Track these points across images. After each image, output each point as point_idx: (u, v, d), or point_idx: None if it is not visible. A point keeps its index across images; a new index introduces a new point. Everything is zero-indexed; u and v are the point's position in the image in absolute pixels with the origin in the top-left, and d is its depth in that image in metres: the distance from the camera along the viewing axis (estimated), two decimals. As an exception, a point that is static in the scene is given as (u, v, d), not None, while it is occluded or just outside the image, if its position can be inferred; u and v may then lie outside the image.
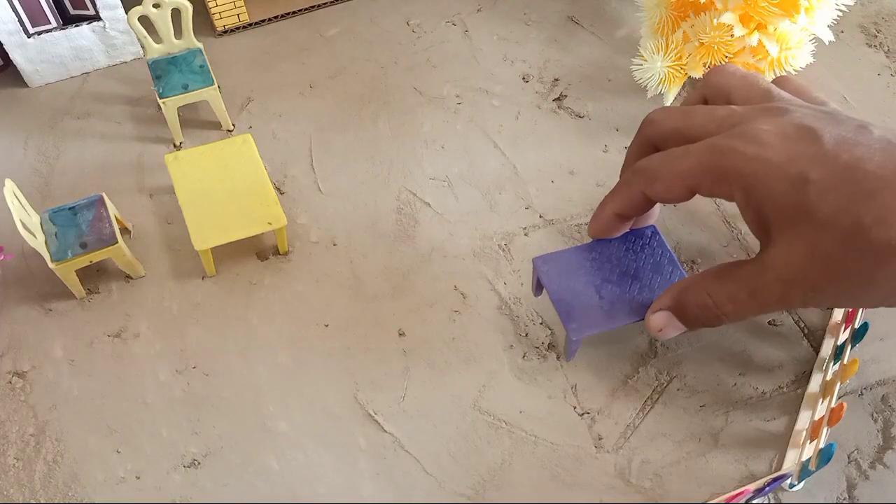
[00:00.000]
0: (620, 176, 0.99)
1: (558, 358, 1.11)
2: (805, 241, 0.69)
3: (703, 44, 1.27)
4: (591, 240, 1.12)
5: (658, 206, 1.01)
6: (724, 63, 1.00)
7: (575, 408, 1.07)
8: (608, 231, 1.02)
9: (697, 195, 0.91)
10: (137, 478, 1.03)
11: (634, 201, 0.92)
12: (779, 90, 0.90)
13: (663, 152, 0.85)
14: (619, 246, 1.07)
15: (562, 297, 1.04)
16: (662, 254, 1.07)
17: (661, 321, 0.96)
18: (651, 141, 0.96)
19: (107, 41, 1.42)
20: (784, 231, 0.71)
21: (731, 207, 1.25)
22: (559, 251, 1.08)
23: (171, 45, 1.31)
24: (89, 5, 1.38)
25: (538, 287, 1.10)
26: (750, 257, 1.13)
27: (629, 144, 1.03)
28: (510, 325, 1.14)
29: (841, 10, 1.27)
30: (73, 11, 1.39)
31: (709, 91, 0.95)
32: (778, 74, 1.30)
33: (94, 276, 1.20)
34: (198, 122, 1.39)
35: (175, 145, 1.36)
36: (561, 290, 1.05)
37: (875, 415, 1.06)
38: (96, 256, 1.13)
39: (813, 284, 0.76)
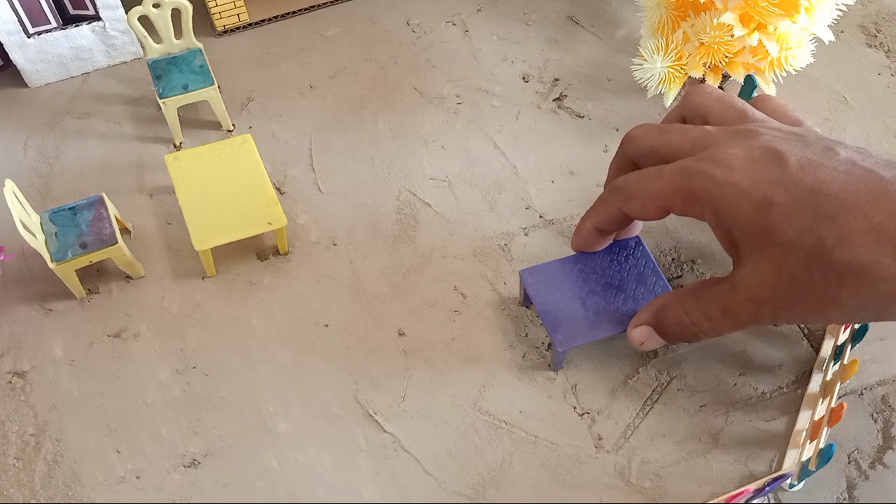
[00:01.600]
0: (604, 189, 1.02)
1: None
2: (771, 262, 0.72)
3: (703, 44, 1.27)
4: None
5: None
6: (701, 84, 1.02)
7: (575, 408, 1.07)
8: (589, 245, 1.05)
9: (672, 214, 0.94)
10: (137, 478, 1.03)
11: (612, 218, 0.91)
12: (754, 111, 0.92)
13: (639, 172, 0.87)
14: (603, 257, 1.09)
15: (548, 309, 1.06)
16: (646, 264, 1.09)
17: (642, 336, 1.00)
18: (630, 157, 0.98)
19: (107, 41, 1.42)
20: (752, 252, 0.74)
21: (731, 207, 1.25)
22: (545, 263, 1.10)
23: (171, 45, 1.31)
24: (89, 5, 1.38)
25: (525, 298, 1.12)
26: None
27: (611, 161, 1.06)
28: (510, 325, 1.14)
29: (841, 10, 1.27)
30: (73, 11, 1.39)
31: (687, 111, 0.98)
32: (778, 74, 1.30)
33: (94, 276, 1.20)
34: (198, 122, 1.39)
35: (175, 145, 1.36)
36: (547, 302, 1.07)
37: (875, 415, 1.06)
38: (96, 256, 1.13)
39: (780, 303, 0.79)
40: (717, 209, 0.75)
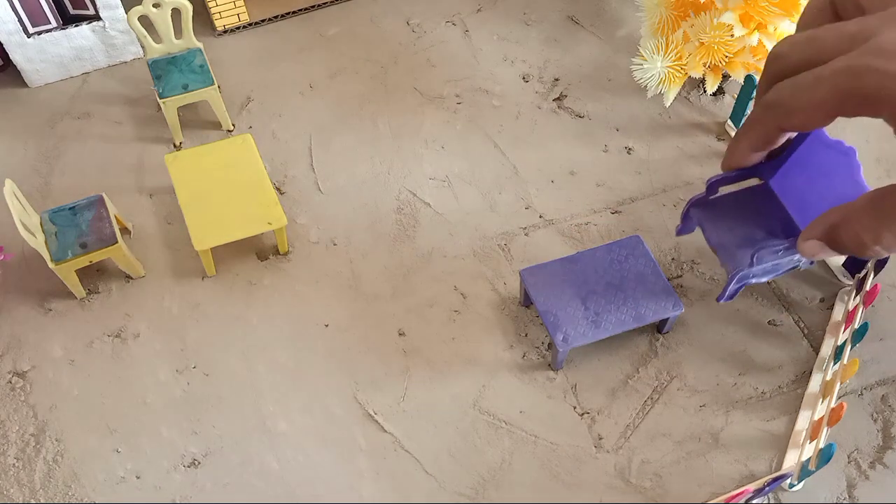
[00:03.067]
0: (752, 110, 0.92)
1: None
2: None
3: (703, 43, 1.27)
4: (575, 251, 1.16)
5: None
6: None
7: (575, 408, 1.07)
8: (742, 163, 0.92)
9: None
10: (137, 477, 1.03)
11: (769, 136, 0.83)
12: None
13: (792, 81, 0.75)
14: (603, 257, 1.10)
15: (549, 309, 1.06)
16: (646, 264, 1.09)
17: (813, 249, 0.90)
18: (780, 76, 0.84)
19: (107, 41, 1.42)
20: None
21: (731, 207, 1.26)
22: (546, 263, 1.10)
23: (171, 44, 1.31)
24: (89, 5, 1.38)
25: (526, 298, 1.13)
26: None
27: (758, 81, 0.97)
28: (510, 324, 1.14)
29: (841, 10, 1.27)
30: (73, 11, 1.39)
31: None
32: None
33: (94, 276, 1.20)
34: (198, 122, 1.39)
35: (175, 145, 1.36)
36: (548, 302, 1.07)
37: (875, 415, 1.06)
38: (96, 256, 1.13)
39: None
40: (894, 106, 0.64)
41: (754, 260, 1.01)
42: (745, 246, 1.06)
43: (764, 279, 1.09)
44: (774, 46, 0.84)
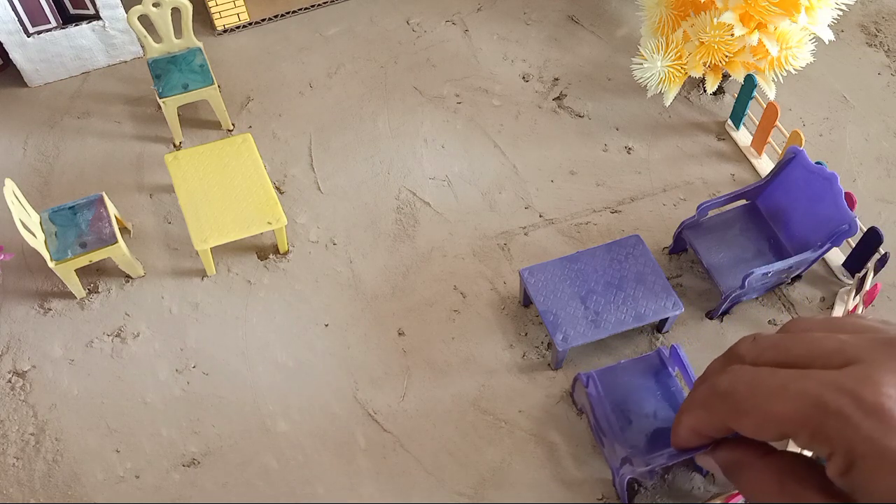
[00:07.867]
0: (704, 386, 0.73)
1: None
2: None
3: (703, 43, 1.27)
4: (575, 251, 1.16)
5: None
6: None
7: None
8: (687, 446, 0.78)
9: None
10: (137, 477, 1.03)
11: (714, 426, 0.70)
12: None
13: (753, 375, 0.65)
14: (603, 256, 1.10)
15: (548, 308, 1.07)
16: (646, 264, 1.10)
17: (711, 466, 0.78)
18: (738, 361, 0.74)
19: (107, 41, 1.42)
20: None
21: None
22: (546, 262, 1.11)
23: (170, 44, 1.31)
24: (89, 4, 1.37)
25: (526, 297, 1.13)
26: None
27: (713, 361, 0.76)
28: (510, 324, 1.14)
29: (841, 10, 1.27)
30: (73, 11, 1.39)
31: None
32: (778, 73, 1.30)
33: (94, 275, 1.20)
34: (198, 122, 1.39)
35: (175, 145, 1.36)
36: (548, 301, 1.08)
37: (875, 414, 1.06)
38: (96, 256, 1.13)
39: None
40: (850, 462, 0.55)
41: (746, 283, 1.03)
42: (737, 268, 1.10)
43: (754, 296, 1.11)
44: (736, 346, 0.72)
